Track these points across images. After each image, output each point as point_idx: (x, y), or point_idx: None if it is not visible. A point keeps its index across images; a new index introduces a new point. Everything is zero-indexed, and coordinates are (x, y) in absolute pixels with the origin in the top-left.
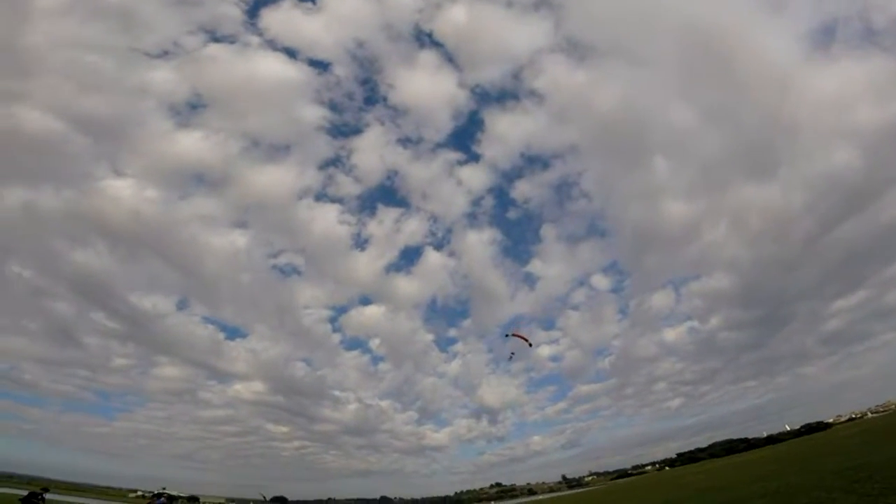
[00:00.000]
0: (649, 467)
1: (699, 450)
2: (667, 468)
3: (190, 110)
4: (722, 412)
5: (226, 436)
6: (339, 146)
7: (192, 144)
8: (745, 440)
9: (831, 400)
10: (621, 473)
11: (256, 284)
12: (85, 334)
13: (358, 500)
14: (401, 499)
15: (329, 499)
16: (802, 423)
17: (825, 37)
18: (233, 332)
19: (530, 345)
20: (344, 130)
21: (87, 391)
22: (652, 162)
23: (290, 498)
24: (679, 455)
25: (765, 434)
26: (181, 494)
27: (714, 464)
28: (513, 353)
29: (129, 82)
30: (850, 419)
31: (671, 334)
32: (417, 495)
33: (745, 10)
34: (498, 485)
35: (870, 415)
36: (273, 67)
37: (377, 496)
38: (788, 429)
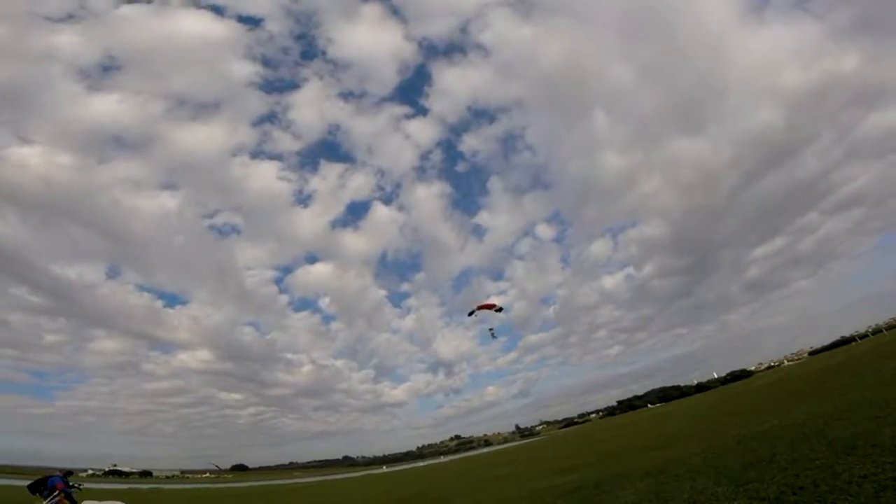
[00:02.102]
0: (593, 415)
1: (636, 397)
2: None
3: (102, 73)
4: (657, 359)
5: (176, 407)
6: (273, 102)
7: (107, 108)
8: (678, 387)
9: (752, 347)
10: (568, 422)
11: (192, 247)
12: (7, 311)
13: (320, 461)
14: (363, 457)
15: (291, 462)
16: (728, 371)
17: (759, 1)
18: (171, 299)
19: (500, 309)
20: (279, 86)
21: (18, 371)
22: (592, 116)
23: (250, 465)
24: (619, 402)
25: (695, 381)
26: (133, 470)
27: (635, 416)
28: (492, 329)
29: (31, 48)
30: (769, 367)
31: (610, 282)
32: (379, 453)
33: None
34: (457, 437)
35: (786, 363)
36: (196, 26)
37: (339, 456)
38: (716, 376)
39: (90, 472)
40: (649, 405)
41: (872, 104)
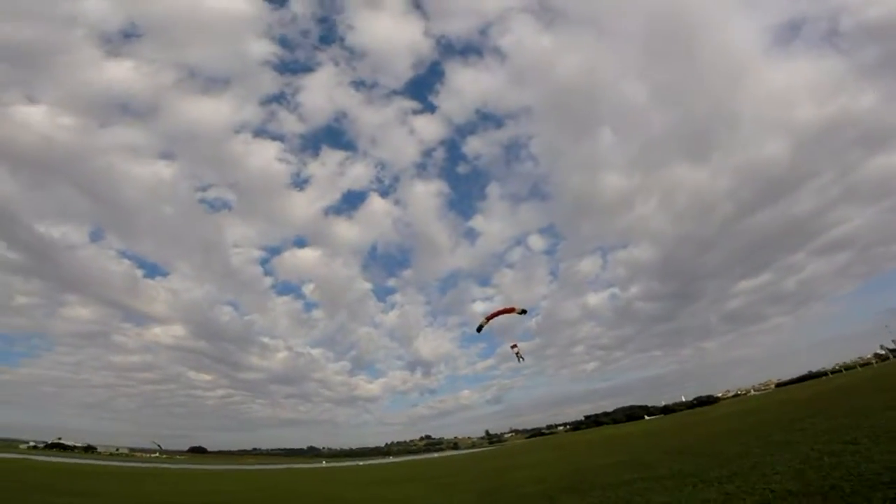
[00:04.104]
0: (560, 428)
1: (605, 413)
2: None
3: (122, 40)
4: (630, 378)
5: (142, 383)
6: (285, 83)
7: (120, 74)
8: (645, 407)
9: (723, 375)
10: (536, 432)
11: (181, 218)
12: None
13: (284, 450)
14: (329, 449)
15: (254, 448)
16: (695, 396)
17: (789, 33)
18: (152, 270)
19: (523, 312)
20: (293, 67)
21: None
22: (599, 133)
23: (210, 448)
24: (586, 417)
25: (662, 403)
26: (76, 444)
27: (587, 435)
28: (517, 351)
29: (58, 11)
30: (736, 395)
31: (594, 299)
32: (346, 446)
33: None
34: (427, 437)
35: (752, 392)
36: (223, 0)
37: (305, 446)
38: (684, 399)
39: (31, 443)
40: (614, 422)
41: (878, 146)
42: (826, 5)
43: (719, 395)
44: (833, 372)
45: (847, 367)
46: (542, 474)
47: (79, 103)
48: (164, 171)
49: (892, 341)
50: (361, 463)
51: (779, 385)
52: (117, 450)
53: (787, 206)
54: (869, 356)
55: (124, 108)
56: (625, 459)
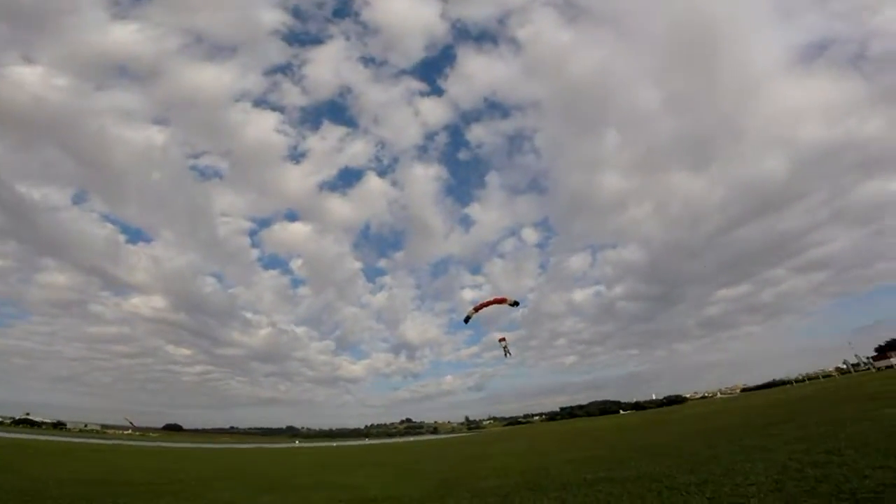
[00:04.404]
0: (537, 417)
1: (579, 406)
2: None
3: (132, 2)
4: (606, 374)
5: (118, 356)
6: (292, 54)
7: (124, 37)
8: (618, 403)
9: (693, 377)
10: (513, 421)
11: (169, 184)
12: None
13: (262, 429)
14: (308, 429)
15: (231, 427)
16: (666, 395)
17: (815, 52)
18: (135, 235)
19: (515, 304)
20: (303, 38)
21: None
22: (605, 134)
23: (186, 426)
24: (561, 409)
25: (634, 399)
26: (44, 420)
27: (556, 426)
28: (505, 345)
29: None
30: (703, 397)
31: (579, 295)
32: (326, 426)
33: (755, 10)
34: (408, 421)
35: (719, 395)
36: None
37: (283, 426)
38: (654, 397)
39: None
40: (588, 415)
41: (875, 171)
42: (860, 29)
43: (687, 395)
44: (797, 381)
45: (810, 378)
46: (507, 466)
47: (76, 65)
48: (156, 136)
49: (855, 356)
50: (335, 444)
51: (745, 390)
52: (86, 426)
53: (775, 222)
54: (831, 369)
55: (122, 71)
56: (593, 455)
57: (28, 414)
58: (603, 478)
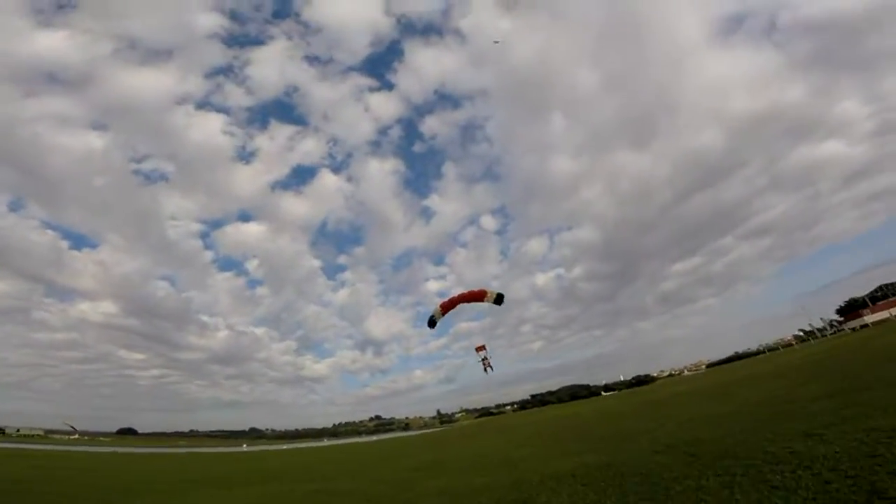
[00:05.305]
0: (508, 407)
1: (549, 393)
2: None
3: (56, 10)
4: (573, 358)
5: (68, 362)
6: (232, 56)
7: (51, 44)
8: (587, 387)
9: (658, 355)
10: (485, 412)
11: (112, 189)
12: None
13: (225, 431)
14: (272, 430)
15: (191, 431)
16: (634, 375)
17: (732, 25)
18: (79, 241)
19: (500, 299)
20: (242, 41)
21: None
22: (551, 117)
23: (142, 430)
24: (532, 396)
25: (603, 382)
26: None
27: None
28: (485, 358)
29: None
30: (670, 374)
31: (541, 279)
32: (292, 427)
33: None
34: (377, 417)
35: (686, 372)
36: None
37: (246, 427)
38: (623, 378)
39: None
40: (559, 401)
41: (803, 137)
42: (770, 0)
43: (655, 374)
44: (759, 353)
45: (770, 349)
46: (454, 487)
47: (1, 73)
48: (95, 141)
49: (820, 319)
50: (285, 447)
51: (710, 365)
52: (17, 431)
53: (719, 193)
54: (789, 337)
55: (52, 78)
56: (578, 466)
57: None
58: None
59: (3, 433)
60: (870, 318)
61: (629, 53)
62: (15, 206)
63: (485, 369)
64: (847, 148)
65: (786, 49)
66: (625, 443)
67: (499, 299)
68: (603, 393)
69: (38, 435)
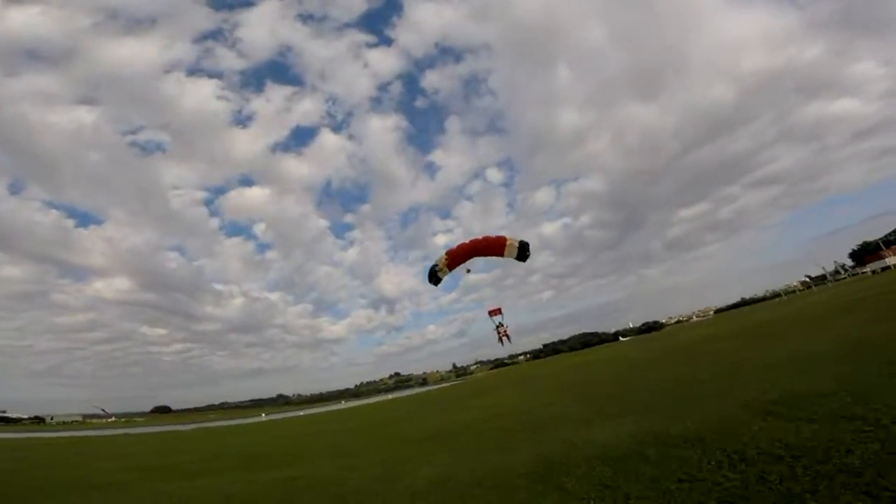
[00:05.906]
0: (521, 357)
1: (561, 341)
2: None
3: None
4: (583, 306)
5: (93, 343)
6: (221, 19)
7: (25, 20)
8: (597, 334)
9: (665, 301)
10: (499, 363)
11: (109, 163)
12: None
13: (253, 400)
14: (299, 395)
15: (222, 403)
16: (643, 321)
17: None
18: (84, 219)
19: (525, 250)
20: (230, 3)
21: None
22: (556, 70)
23: (176, 406)
24: (544, 346)
25: (612, 330)
26: (22, 416)
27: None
28: (501, 326)
29: None
30: (678, 321)
31: (549, 229)
32: (316, 391)
33: None
34: (396, 374)
35: (694, 318)
36: None
37: (274, 395)
38: (632, 325)
39: None
40: (571, 349)
41: (816, 94)
42: None
43: (664, 321)
44: (766, 299)
45: (776, 294)
46: (456, 475)
47: None
48: (85, 116)
49: (822, 268)
50: (302, 413)
51: (718, 311)
52: (52, 419)
53: (727, 144)
54: (795, 283)
55: (33, 55)
56: (632, 436)
57: (4, 411)
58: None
59: (43, 422)
60: (892, 259)
61: (640, 10)
62: (15, 189)
63: (500, 339)
64: (861, 106)
65: (806, 9)
66: (682, 400)
67: (522, 252)
68: (621, 339)
69: (75, 422)
